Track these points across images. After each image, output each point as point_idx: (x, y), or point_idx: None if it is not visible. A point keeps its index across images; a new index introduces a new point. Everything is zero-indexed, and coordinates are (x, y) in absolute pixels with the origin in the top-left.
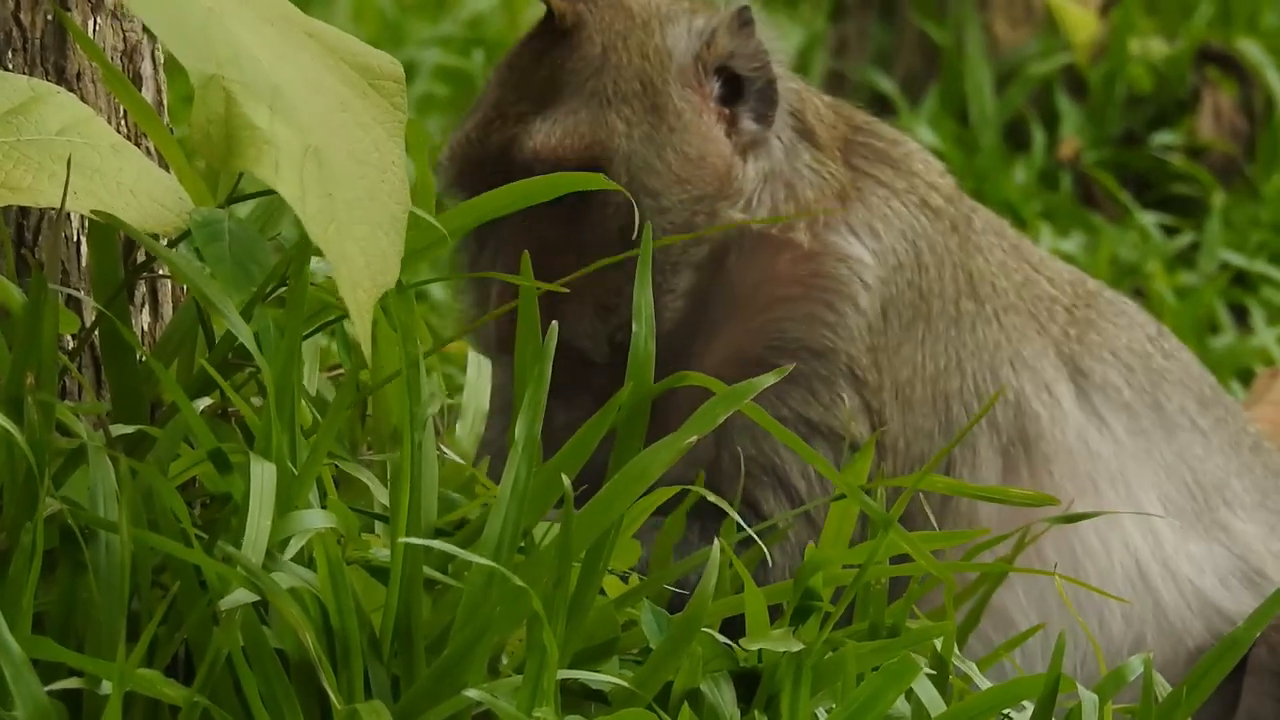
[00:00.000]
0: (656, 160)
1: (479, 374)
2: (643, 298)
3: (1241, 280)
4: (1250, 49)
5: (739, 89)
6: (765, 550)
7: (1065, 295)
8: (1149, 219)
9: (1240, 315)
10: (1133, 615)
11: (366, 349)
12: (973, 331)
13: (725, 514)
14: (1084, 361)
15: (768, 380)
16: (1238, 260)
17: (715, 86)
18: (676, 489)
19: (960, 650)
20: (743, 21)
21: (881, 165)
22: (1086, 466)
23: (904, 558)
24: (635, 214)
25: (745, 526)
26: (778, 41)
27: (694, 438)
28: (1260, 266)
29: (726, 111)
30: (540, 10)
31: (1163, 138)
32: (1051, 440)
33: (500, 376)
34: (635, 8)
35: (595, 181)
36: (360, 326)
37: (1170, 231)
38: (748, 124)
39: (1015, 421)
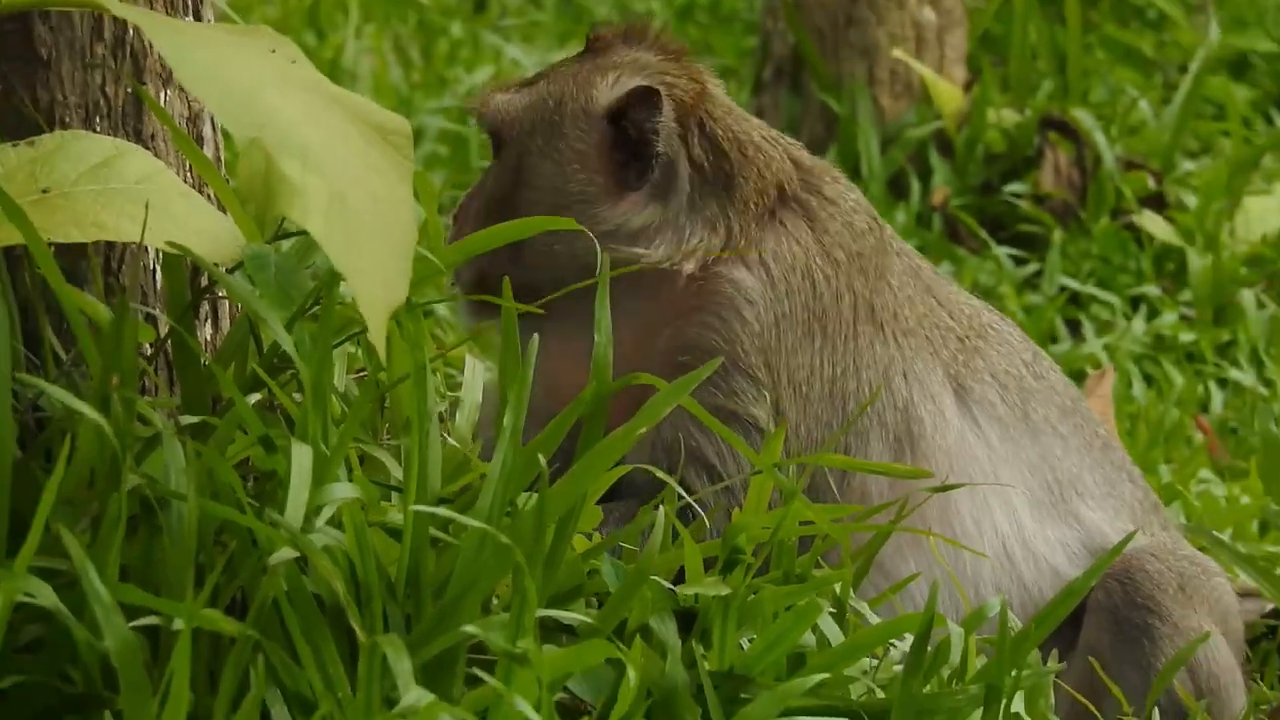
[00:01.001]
0: (544, 163)
1: (474, 375)
2: (602, 315)
3: (1075, 300)
4: (1083, 117)
5: (631, 145)
6: (702, 514)
7: (960, 327)
8: (1002, 252)
9: (1074, 328)
10: (1000, 586)
11: (382, 354)
12: (870, 347)
13: (662, 488)
14: (967, 381)
15: (703, 374)
16: (1073, 284)
17: (606, 132)
18: (629, 468)
19: (855, 594)
20: (644, 96)
21: (800, 219)
22: (962, 464)
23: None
24: (517, 187)
25: (685, 495)
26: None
27: (644, 428)
28: (1090, 289)
29: (615, 156)
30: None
31: (1013, 187)
32: (932, 441)
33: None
34: (614, 56)
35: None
36: (376, 336)
37: (1019, 262)
38: (651, 177)
39: (903, 422)
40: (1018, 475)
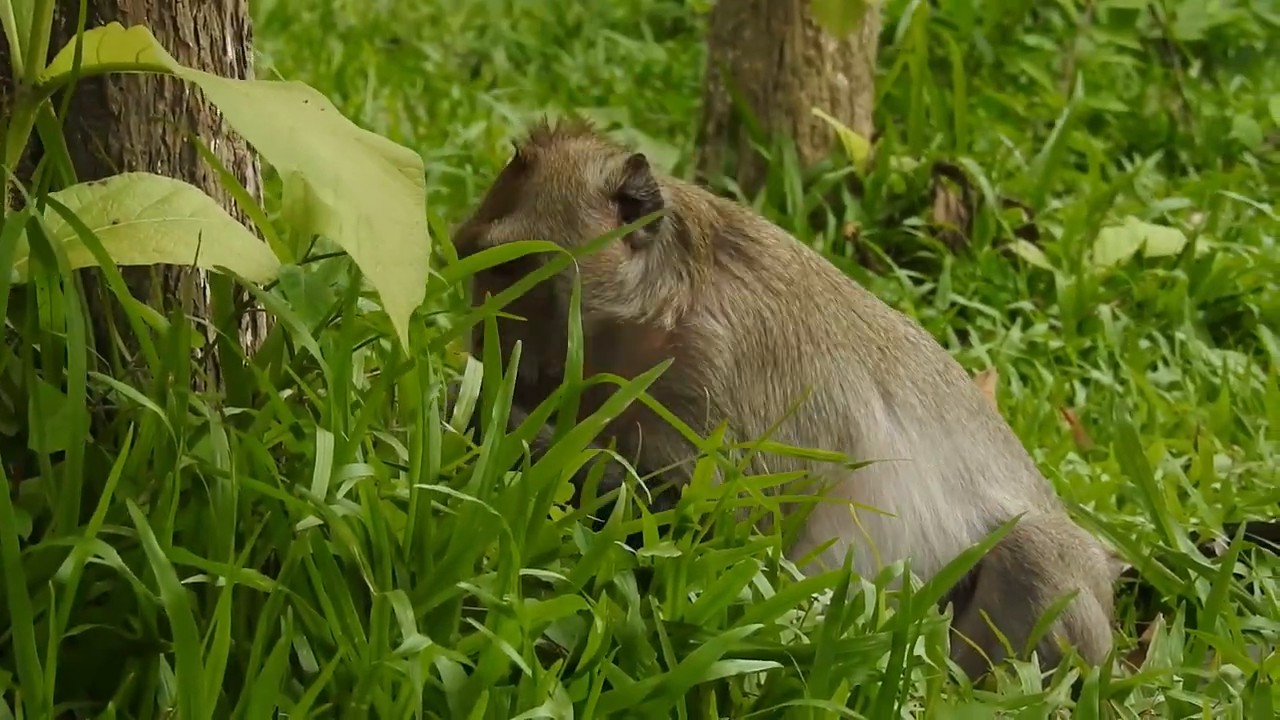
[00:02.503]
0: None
1: (473, 374)
2: (574, 325)
3: (964, 314)
4: (969, 164)
5: (635, 208)
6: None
7: (880, 338)
8: (903, 274)
9: (963, 337)
10: (916, 560)
11: (404, 343)
12: (812, 364)
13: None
14: (891, 386)
15: (658, 371)
16: (961, 300)
17: (614, 206)
18: (596, 452)
19: (785, 557)
20: (636, 163)
21: (739, 262)
22: (891, 457)
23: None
24: (551, 287)
25: (643, 480)
26: (665, 173)
27: (608, 418)
28: (976, 304)
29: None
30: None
31: (911, 221)
32: (868, 440)
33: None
34: (571, 151)
35: (525, 248)
36: (399, 328)
37: (917, 282)
38: (640, 234)
39: (843, 427)
40: (934, 465)
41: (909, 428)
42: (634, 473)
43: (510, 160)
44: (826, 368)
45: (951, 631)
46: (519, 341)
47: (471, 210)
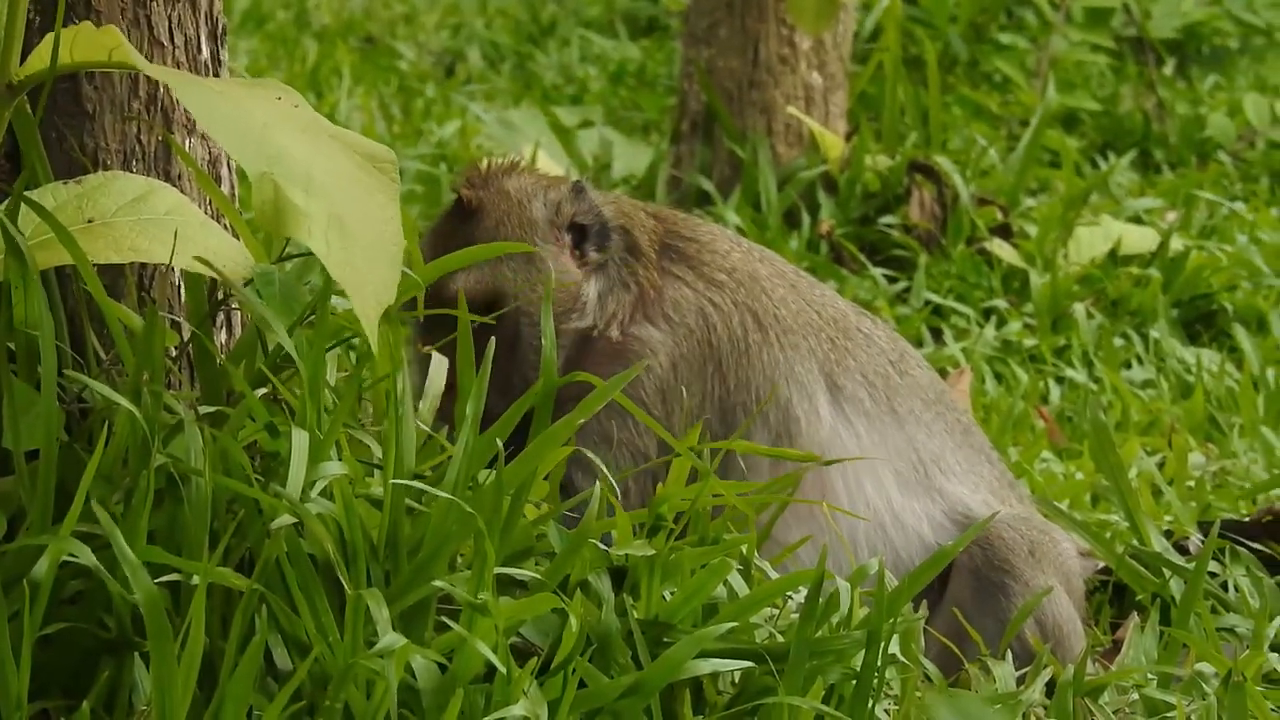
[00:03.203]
0: (531, 294)
1: (439, 370)
2: (547, 324)
3: (938, 312)
4: (943, 162)
5: (584, 233)
6: (622, 488)
7: (829, 327)
8: (878, 272)
9: (937, 335)
10: (875, 550)
11: (374, 342)
12: (759, 355)
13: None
14: (839, 379)
15: (632, 374)
16: (936, 299)
17: (567, 236)
18: (570, 450)
19: (758, 555)
20: (578, 190)
21: (681, 264)
22: (835, 453)
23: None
24: (515, 324)
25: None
26: (600, 191)
27: (582, 419)
28: (950, 303)
29: (577, 251)
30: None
31: (886, 219)
32: (807, 436)
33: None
34: (512, 190)
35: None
36: (368, 328)
37: (892, 280)
38: (592, 254)
39: (782, 422)
40: (885, 458)
41: (855, 421)
42: (605, 472)
43: (452, 204)
44: (774, 358)
45: (925, 629)
46: (491, 340)
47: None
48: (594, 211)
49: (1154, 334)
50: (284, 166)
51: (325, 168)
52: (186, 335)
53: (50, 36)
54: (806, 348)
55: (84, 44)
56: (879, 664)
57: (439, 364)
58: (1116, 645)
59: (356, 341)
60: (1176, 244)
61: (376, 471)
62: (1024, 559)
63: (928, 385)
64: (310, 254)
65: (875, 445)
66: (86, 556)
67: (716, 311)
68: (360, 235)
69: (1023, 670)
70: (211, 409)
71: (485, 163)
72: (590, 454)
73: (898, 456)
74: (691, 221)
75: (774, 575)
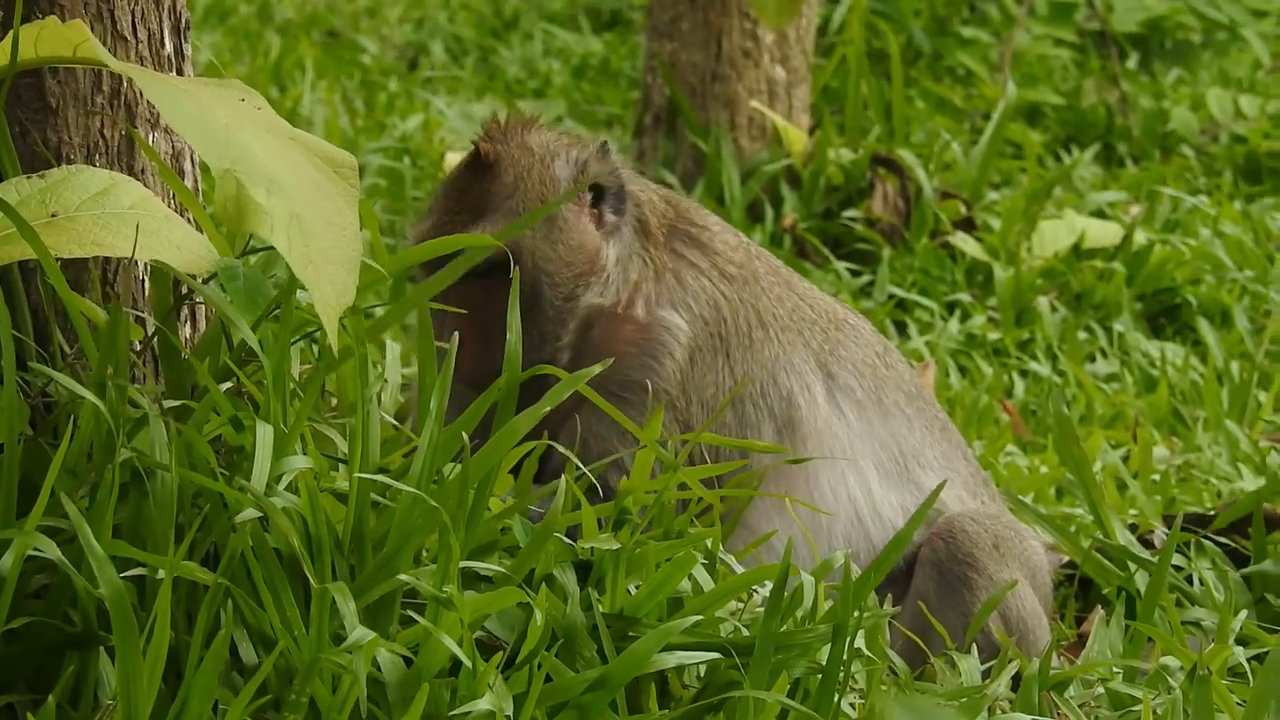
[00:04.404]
0: (550, 251)
1: (394, 359)
2: (513, 318)
3: (902, 306)
4: (906, 156)
5: (602, 194)
6: (595, 483)
7: (822, 320)
8: (841, 266)
9: (901, 328)
10: (851, 544)
11: (334, 344)
12: (762, 349)
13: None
14: (833, 368)
15: (597, 369)
16: (899, 292)
17: (588, 196)
18: (537, 443)
19: (724, 549)
20: (604, 150)
21: (693, 249)
22: (829, 442)
23: (685, 487)
24: (534, 285)
25: (582, 466)
26: (626, 158)
27: (547, 408)
28: (914, 296)
29: (595, 212)
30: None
31: (850, 213)
32: (808, 424)
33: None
34: (534, 146)
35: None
36: (329, 331)
37: (855, 274)
38: (609, 216)
39: (786, 412)
40: (870, 450)
41: (848, 410)
42: (577, 461)
43: (470, 156)
44: (775, 352)
45: (890, 623)
46: (456, 334)
47: (431, 211)
48: (615, 173)
49: (1118, 328)
50: (247, 165)
51: (287, 170)
52: (151, 329)
53: (13, 31)
54: (802, 341)
55: (49, 39)
56: (844, 658)
57: (393, 353)
58: (1082, 639)
59: (320, 336)
60: (1140, 238)
61: (341, 465)
62: (988, 553)
63: (909, 380)
64: (273, 248)
65: (864, 434)
66: (52, 550)
67: (728, 305)
68: (319, 237)
69: (988, 664)
70: (176, 403)
71: (505, 117)
72: (625, 455)
73: (881, 448)
74: (700, 208)
75: (739, 569)
